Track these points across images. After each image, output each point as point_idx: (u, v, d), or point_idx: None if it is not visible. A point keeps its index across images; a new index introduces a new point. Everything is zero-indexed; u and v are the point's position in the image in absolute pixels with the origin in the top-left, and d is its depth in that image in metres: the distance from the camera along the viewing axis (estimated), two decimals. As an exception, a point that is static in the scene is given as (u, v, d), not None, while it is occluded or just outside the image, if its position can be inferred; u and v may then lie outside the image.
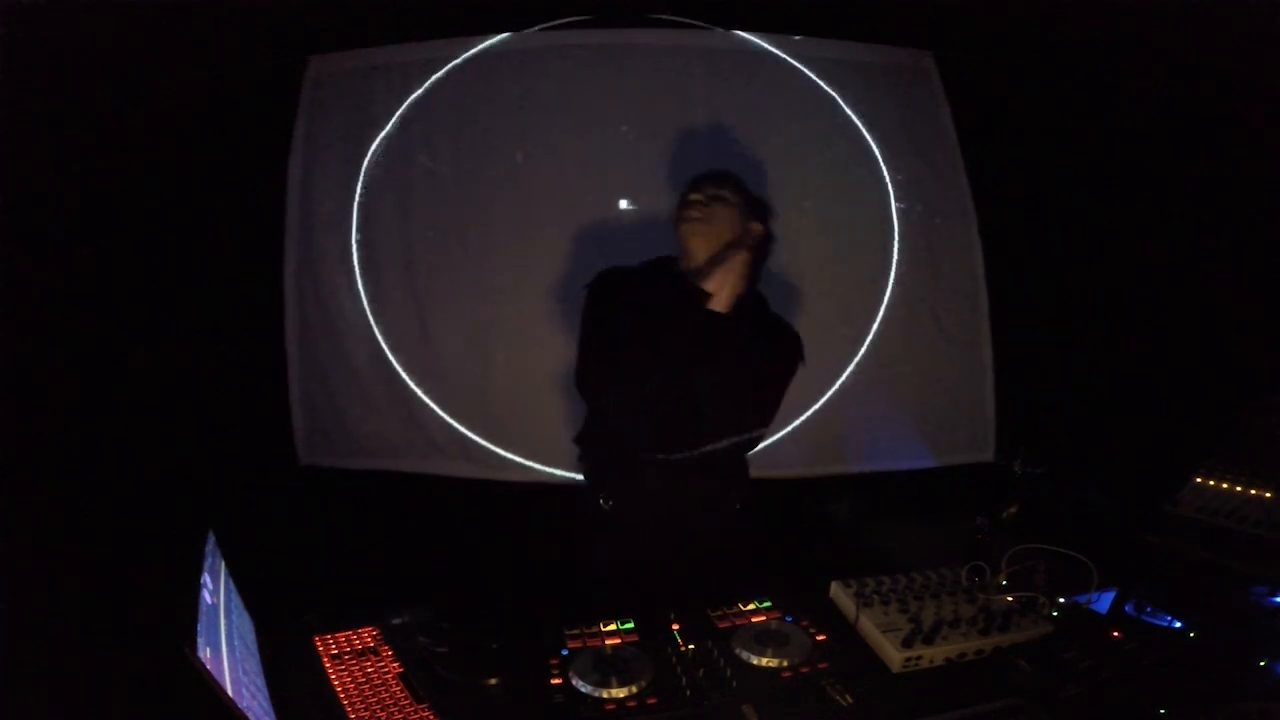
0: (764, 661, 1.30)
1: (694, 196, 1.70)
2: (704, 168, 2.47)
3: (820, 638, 1.37)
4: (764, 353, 1.69)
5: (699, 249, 1.67)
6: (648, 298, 1.67)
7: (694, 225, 1.67)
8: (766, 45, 2.50)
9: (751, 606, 1.48)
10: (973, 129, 2.57)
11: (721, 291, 1.58)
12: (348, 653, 1.35)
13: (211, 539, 1.25)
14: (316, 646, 1.37)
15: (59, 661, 1.44)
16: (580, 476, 1.92)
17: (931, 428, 2.65)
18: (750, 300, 1.72)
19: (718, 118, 2.49)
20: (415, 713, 1.20)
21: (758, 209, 1.78)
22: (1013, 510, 1.97)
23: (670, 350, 1.58)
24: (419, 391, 2.56)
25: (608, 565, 1.80)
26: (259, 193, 2.47)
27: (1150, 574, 1.51)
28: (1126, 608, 1.45)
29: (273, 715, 1.13)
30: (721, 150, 2.49)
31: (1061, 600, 1.44)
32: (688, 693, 1.23)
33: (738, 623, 1.43)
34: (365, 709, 1.20)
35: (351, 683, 1.27)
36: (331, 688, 1.25)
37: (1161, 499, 1.60)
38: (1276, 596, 1.40)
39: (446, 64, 2.47)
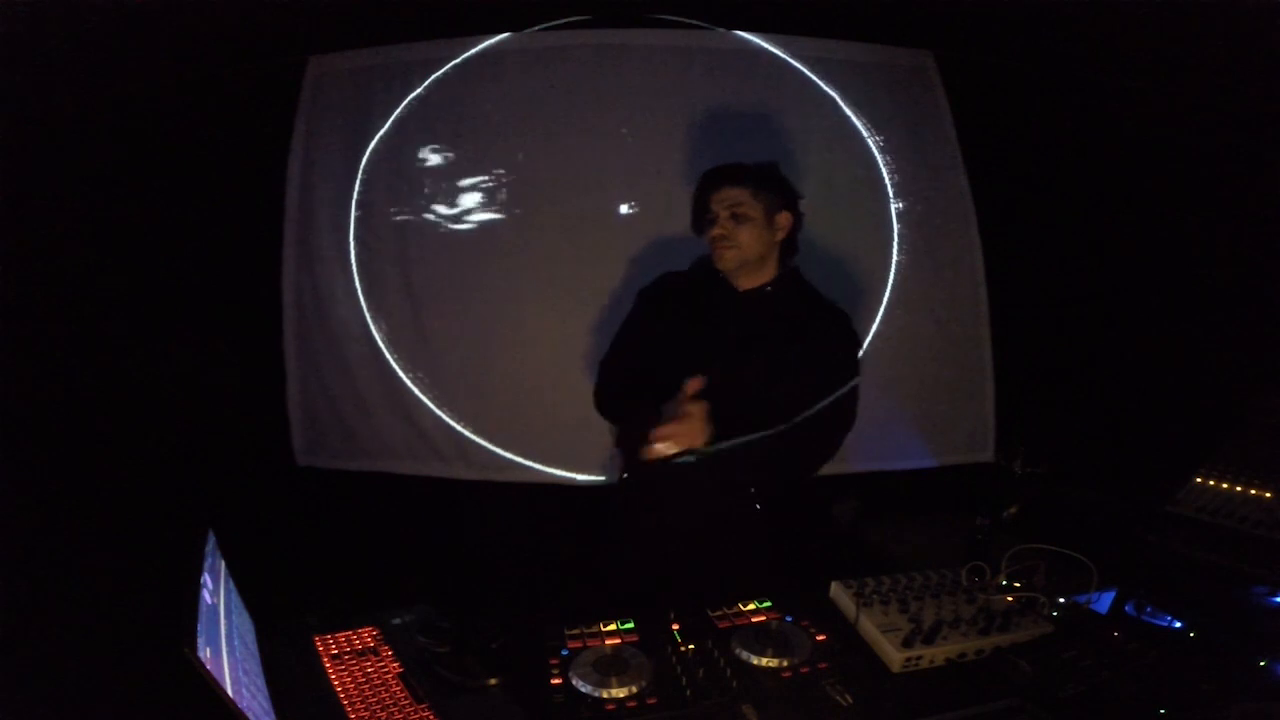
0: (764, 661, 1.30)
1: (717, 213, 1.68)
2: (706, 165, 2.51)
3: (820, 638, 1.37)
4: (808, 340, 1.68)
5: (731, 263, 1.68)
6: (697, 314, 1.70)
7: (722, 248, 1.67)
8: (766, 45, 2.50)
9: (751, 606, 1.48)
10: (973, 129, 2.57)
11: None
12: (348, 653, 1.35)
13: (211, 539, 1.25)
14: (316, 646, 1.37)
15: (59, 661, 1.44)
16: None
17: (931, 428, 2.65)
18: (791, 287, 1.74)
19: (718, 118, 2.49)
20: (415, 713, 1.20)
21: (783, 196, 1.72)
22: (1013, 510, 1.97)
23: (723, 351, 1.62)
24: (417, 392, 2.56)
25: (628, 562, 1.79)
26: (258, 193, 2.47)
27: (1150, 574, 1.50)
28: (1126, 608, 1.45)
29: (273, 715, 1.13)
30: (721, 150, 2.49)
31: (1061, 600, 1.43)
32: (688, 693, 1.23)
33: (738, 623, 1.43)
34: (365, 709, 1.20)
35: (351, 683, 1.27)
36: (331, 688, 1.25)
37: (1161, 499, 1.60)
38: (1276, 596, 1.40)
39: (446, 64, 2.47)
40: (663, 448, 1.52)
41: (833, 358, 1.70)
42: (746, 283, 1.71)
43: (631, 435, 1.67)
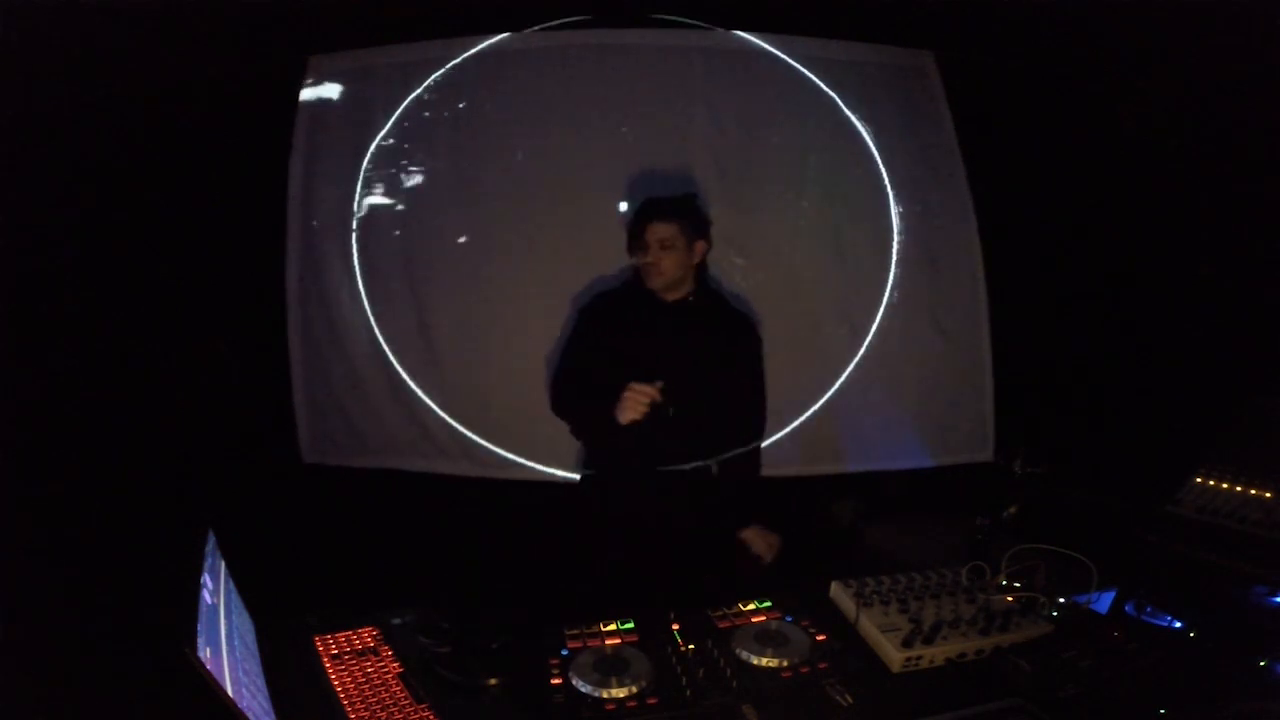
0: (764, 661, 1.30)
1: (648, 242, 1.94)
2: (705, 165, 2.50)
3: (820, 638, 1.37)
4: (733, 353, 2.01)
5: (658, 284, 1.97)
6: (634, 325, 1.99)
7: (651, 273, 1.96)
8: (766, 45, 2.50)
9: (751, 606, 1.48)
10: (973, 129, 2.57)
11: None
12: (348, 653, 1.35)
13: (211, 539, 1.25)
14: (316, 646, 1.37)
15: (59, 661, 1.44)
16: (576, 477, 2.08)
17: (931, 428, 2.65)
18: (710, 301, 2.06)
19: (718, 118, 2.49)
20: (415, 713, 1.20)
21: (700, 228, 2.00)
22: (1013, 510, 1.97)
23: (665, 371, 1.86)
24: (419, 391, 2.56)
25: (606, 567, 1.92)
26: (260, 193, 2.47)
27: (1150, 574, 1.50)
28: (1126, 608, 1.45)
29: (273, 715, 1.13)
30: (720, 151, 2.49)
31: (1061, 600, 1.44)
32: (688, 693, 1.23)
33: (738, 623, 1.43)
34: (365, 709, 1.20)
35: (351, 683, 1.27)
36: (331, 688, 1.25)
37: (1161, 499, 1.60)
38: (1276, 596, 1.40)
39: (446, 64, 2.47)
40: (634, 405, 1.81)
41: (746, 352, 2.06)
42: (671, 296, 2.00)
43: (588, 431, 2.10)
